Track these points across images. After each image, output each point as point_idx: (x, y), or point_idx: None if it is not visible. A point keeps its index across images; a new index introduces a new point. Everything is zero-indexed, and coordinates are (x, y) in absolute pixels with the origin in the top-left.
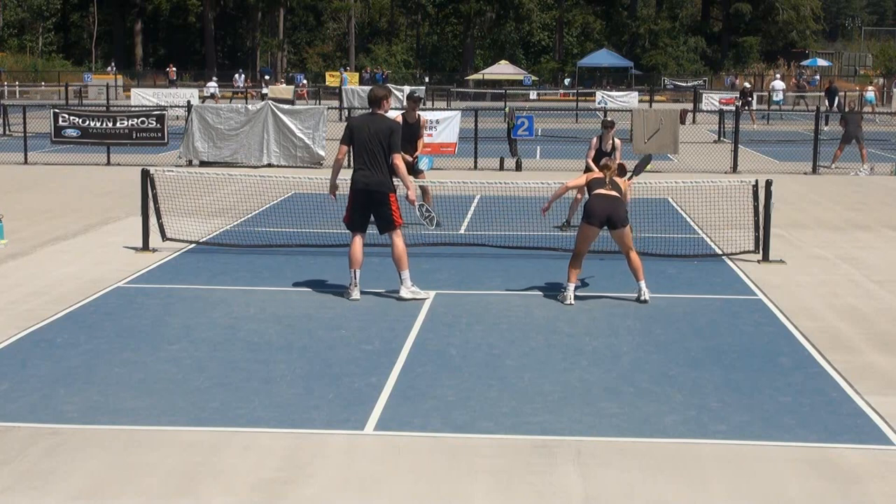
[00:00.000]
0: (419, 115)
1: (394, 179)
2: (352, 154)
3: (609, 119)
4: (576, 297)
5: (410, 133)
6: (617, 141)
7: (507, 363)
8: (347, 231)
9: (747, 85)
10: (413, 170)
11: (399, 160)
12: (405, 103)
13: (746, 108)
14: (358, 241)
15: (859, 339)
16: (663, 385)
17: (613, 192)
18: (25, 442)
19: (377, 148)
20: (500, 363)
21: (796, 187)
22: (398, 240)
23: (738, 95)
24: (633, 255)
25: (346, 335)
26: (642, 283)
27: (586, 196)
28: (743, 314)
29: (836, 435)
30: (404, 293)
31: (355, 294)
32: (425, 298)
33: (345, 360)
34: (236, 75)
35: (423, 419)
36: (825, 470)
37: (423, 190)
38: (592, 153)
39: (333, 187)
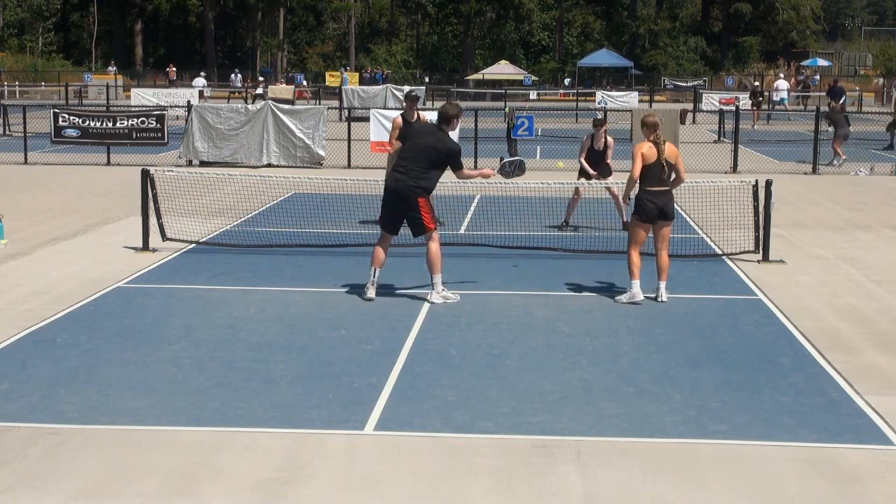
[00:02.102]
0: (419, 115)
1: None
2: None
3: (600, 117)
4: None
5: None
6: (609, 139)
7: (507, 363)
8: (345, 231)
9: (757, 84)
10: None
11: (463, 172)
12: (403, 103)
13: (756, 107)
14: (384, 241)
15: (859, 339)
16: (663, 385)
17: (664, 187)
18: (25, 442)
19: (423, 159)
20: (500, 363)
21: (796, 187)
22: (433, 244)
23: (749, 95)
24: (665, 255)
25: (346, 335)
26: (662, 284)
27: (580, 184)
28: (743, 314)
29: (836, 435)
30: (435, 298)
31: (370, 293)
32: (455, 300)
33: (345, 360)
34: (232, 75)
35: (423, 419)
36: (825, 470)
37: None
38: (584, 154)
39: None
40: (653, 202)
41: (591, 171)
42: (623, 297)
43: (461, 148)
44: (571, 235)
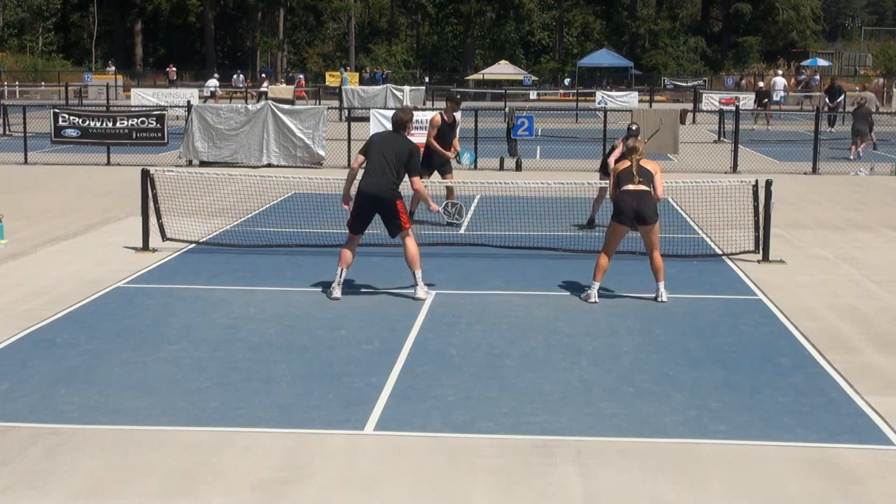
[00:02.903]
0: (455, 115)
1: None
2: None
3: (635, 128)
4: (599, 296)
5: (449, 131)
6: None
7: (507, 363)
8: (345, 231)
9: (761, 84)
10: (442, 170)
11: (419, 184)
12: (445, 103)
13: (761, 107)
14: (352, 242)
15: (859, 339)
16: (663, 385)
17: (642, 187)
18: (25, 442)
19: (391, 162)
20: (500, 363)
21: (796, 187)
22: (409, 241)
23: (754, 97)
24: (657, 255)
25: (346, 335)
26: (661, 284)
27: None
28: (743, 314)
29: (836, 435)
30: (419, 293)
31: (336, 293)
32: (431, 296)
33: (345, 360)
34: (235, 76)
35: (423, 419)
36: (825, 470)
37: (449, 189)
38: (617, 154)
39: (347, 197)
40: (626, 201)
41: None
42: (582, 294)
43: (418, 150)
44: (571, 235)
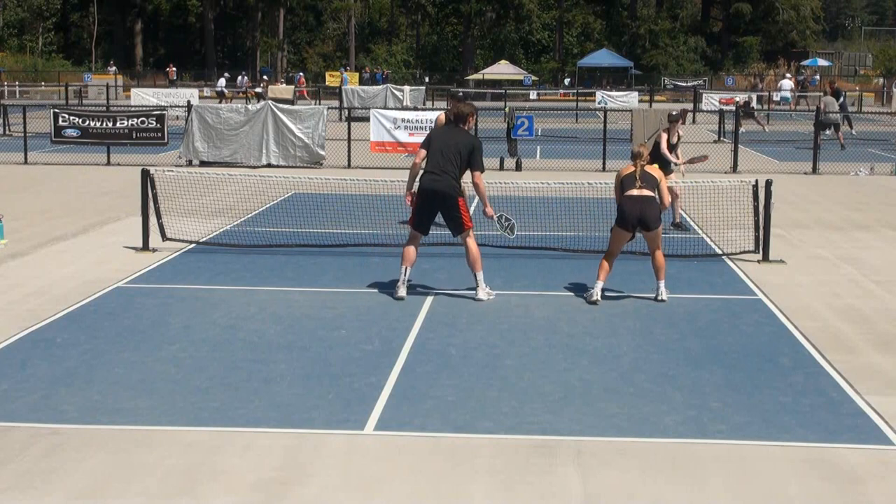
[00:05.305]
0: None
1: (462, 184)
2: (426, 160)
3: (675, 113)
4: (602, 296)
5: None
6: (681, 132)
7: (507, 363)
8: (345, 231)
9: (738, 99)
10: None
11: (480, 179)
12: (447, 103)
13: (749, 117)
14: (415, 240)
15: (859, 339)
16: (663, 385)
17: (645, 192)
18: (25, 442)
19: (454, 157)
20: (500, 363)
21: (796, 187)
22: (471, 242)
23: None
24: (659, 255)
25: (346, 335)
26: (661, 283)
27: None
28: (743, 314)
29: (836, 435)
30: (481, 294)
31: (401, 292)
32: (493, 298)
33: (345, 360)
34: (239, 77)
35: (423, 419)
36: (825, 470)
37: None
38: (665, 145)
39: (410, 189)
40: (630, 207)
41: (674, 160)
42: (585, 294)
43: (481, 146)
44: (571, 235)
